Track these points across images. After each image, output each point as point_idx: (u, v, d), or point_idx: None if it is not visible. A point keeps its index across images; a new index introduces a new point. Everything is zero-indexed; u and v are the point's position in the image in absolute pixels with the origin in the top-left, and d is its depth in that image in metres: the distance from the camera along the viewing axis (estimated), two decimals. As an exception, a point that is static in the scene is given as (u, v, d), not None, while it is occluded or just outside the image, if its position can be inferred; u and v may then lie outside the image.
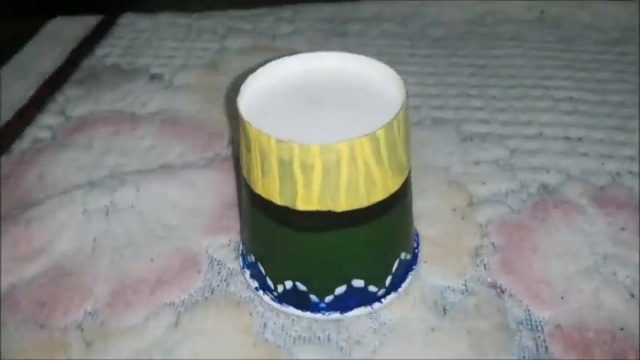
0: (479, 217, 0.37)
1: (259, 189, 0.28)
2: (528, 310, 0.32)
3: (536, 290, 0.33)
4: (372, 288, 0.31)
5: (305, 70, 0.31)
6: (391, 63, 0.51)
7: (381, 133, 0.26)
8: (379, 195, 0.28)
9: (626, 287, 0.33)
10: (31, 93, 0.50)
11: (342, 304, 0.31)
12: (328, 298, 0.31)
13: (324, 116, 0.29)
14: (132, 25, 0.59)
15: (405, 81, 0.30)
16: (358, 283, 0.31)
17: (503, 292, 0.33)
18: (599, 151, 0.42)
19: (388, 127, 0.26)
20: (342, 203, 0.27)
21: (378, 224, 0.29)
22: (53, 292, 0.33)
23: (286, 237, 0.29)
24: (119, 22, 0.60)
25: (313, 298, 0.31)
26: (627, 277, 0.33)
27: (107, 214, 0.38)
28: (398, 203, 0.29)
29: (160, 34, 0.58)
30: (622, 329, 0.31)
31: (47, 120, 0.47)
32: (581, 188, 0.39)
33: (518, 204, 0.38)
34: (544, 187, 0.40)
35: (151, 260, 0.35)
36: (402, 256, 0.32)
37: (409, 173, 0.30)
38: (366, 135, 0.26)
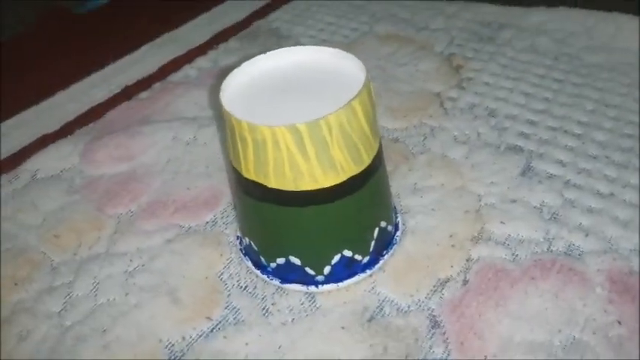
0: (472, 253, 0.36)
1: (226, 149, 0.33)
2: (447, 353, 0.31)
3: (466, 339, 0.31)
4: (309, 270, 0.34)
5: (290, 62, 0.35)
6: (513, 79, 0.50)
7: (302, 128, 0.29)
8: (307, 184, 0.30)
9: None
10: (205, 39, 0.61)
11: (284, 275, 0.35)
12: (273, 265, 0.35)
13: (296, 102, 0.32)
14: (311, -2, 0.67)
15: (368, 83, 0.31)
16: (295, 260, 0.34)
17: (436, 327, 0.32)
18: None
19: (313, 124, 0.29)
20: (272, 181, 0.31)
21: (308, 211, 0.31)
22: (118, 189, 0.44)
23: (240, 197, 0.34)
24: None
25: (262, 259, 0.35)
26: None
27: (187, 145, 0.47)
28: (335, 200, 0.31)
29: (326, 10, 0.64)
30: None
31: (201, 63, 0.58)
32: (608, 265, 0.34)
33: (525, 255, 0.35)
34: (569, 249, 0.35)
35: (188, 188, 0.43)
36: (347, 253, 0.34)
37: (359, 177, 0.31)
38: (286, 125, 0.29)
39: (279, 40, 0.60)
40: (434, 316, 0.33)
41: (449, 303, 0.33)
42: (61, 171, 0.47)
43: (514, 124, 0.45)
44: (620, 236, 0.36)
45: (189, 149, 0.47)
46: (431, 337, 0.32)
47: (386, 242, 0.36)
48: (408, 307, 0.34)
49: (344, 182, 0.31)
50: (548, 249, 0.36)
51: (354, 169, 0.31)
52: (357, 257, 0.34)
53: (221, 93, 0.32)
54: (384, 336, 0.32)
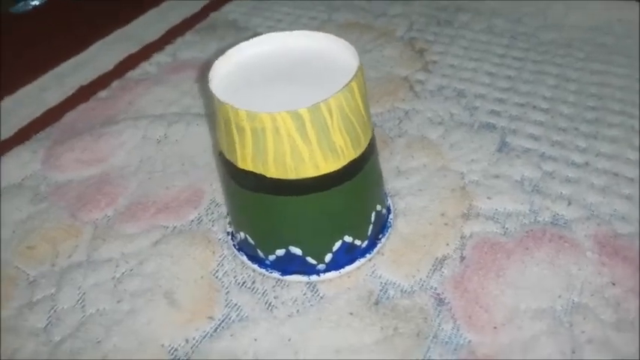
0: (465, 229, 0.37)
1: (216, 140, 0.32)
2: (457, 328, 0.32)
3: (473, 312, 0.32)
4: (310, 260, 0.34)
5: (276, 48, 0.34)
6: (476, 60, 0.49)
7: (304, 112, 0.28)
8: (309, 171, 0.30)
9: (573, 340, 0.30)
10: (160, 35, 0.59)
11: (284, 267, 0.34)
12: (271, 257, 0.34)
13: (292, 89, 0.31)
14: (265, -13, 0.66)
15: (361, 66, 0.30)
16: (296, 250, 0.33)
17: (442, 304, 0.33)
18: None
19: (314, 108, 0.28)
20: (272, 170, 0.30)
21: (310, 199, 0.31)
22: (91, 194, 0.42)
23: (233, 190, 0.33)
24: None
25: (260, 253, 0.34)
26: (583, 332, 0.30)
27: (158, 143, 0.45)
28: (337, 185, 0.31)
29: (282, 0, 0.63)
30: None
31: (160, 58, 0.56)
32: (593, 230, 0.36)
33: (515, 227, 0.36)
34: (555, 218, 0.37)
35: (167, 188, 0.41)
36: (347, 239, 0.33)
37: (357, 160, 0.31)
38: (287, 110, 0.28)
39: (238, 31, 0.58)
40: (438, 294, 0.33)
41: (450, 280, 0.34)
42: (23, 179, 0.44)
43: (484, 102, 0.46)
44: (600, 202, 0.37)
45: (160, 148, 0.45)
46: (438, 315, 0.32)
47: (381, 226, 0.36)
48: (411, 287, 0.34)
49: (344, 167, 0.31)
50: (535, 220, 0.37)
51: (352, 154, 0.31)
52: (357, 242, 0.34)
53: (210, 82, 0.31)
54: (392, 317, 0.32)
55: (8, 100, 0.52)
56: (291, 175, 0.30)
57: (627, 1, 0.55)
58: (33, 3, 0.67)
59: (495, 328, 0.31)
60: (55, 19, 0.65)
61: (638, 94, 0.45)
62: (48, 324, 0.34)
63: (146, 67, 0.55)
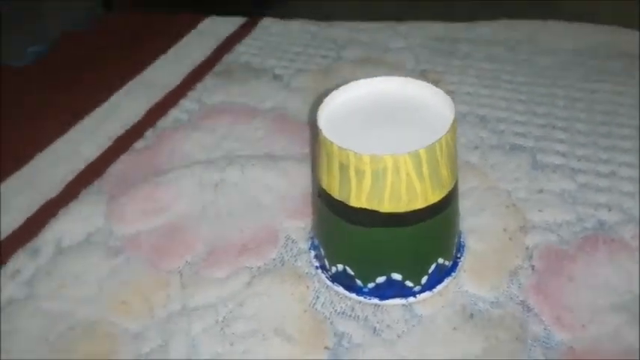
0: (527, 241, 0.41)
1: (324, 184, 0.35)
2: (548, 330, 0.36)
3: (559, 314, 0.36)
4: (408, 283, 0.37)
5: (378, 90, 0.38)
6: (489, 87, 0.53)
7: (422, 152, 0.32)
8: (419, 203, 0.33)
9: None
10: (180, 80, 0.61)
11: (382, 293, 0.37)
12: (370, 285, 0.37)
13: (386, 132, 0.35)
14: (268, 29, 0.69)
15: (454, 110, 0.34)
16: (397, 276, 0.36)
17: (529, 310, 0.37)
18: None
19: (430, 148, 0.32)
20: (386, 205, 0.33)
21: (417, 229, 0.34)
22: (166, 243, 0.43)
23: (341, 227, 0.36)
24: (259, 25, 0.70)
25: (358, 282, 0.37)
26: (655, 319, 0.35)
27: (216, 188, 0.47)
28: (438, 213, 0.35)
29: (288, 39, 0.66)
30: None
31: (187, 105, 0.57)
32: (636, 232, 0.41)
33: (569, 235, 0.41)
34: (600, 223, 0.42)
35: (241, 230, 0.43)
36: (440, 260, 0.37)
37: (452, 190, 0.35)
38: (409, 152, 0.32)
39: (256, 73, 0.61)
40: (522, 301, 0.37)
41: (529, 288, 0.38)
42: (88, 235, 0.44)
43: (507, 126, 0.51)
44: (633, 207, 0.43)
45: (220, 192, 0.47)
46: (529, 320, 0.36)
47: (459, 246, 0.40)
48: (496, 298, 0.38)
49: (445, 196, 0.34)
50: (584, 227, 0.42)
51: (451, 183, 0.35)
52: (446, 263, 0.38)
53: (321, 129, 0.34)
54: (491, 327, 0.36)
55: (41, 157, 0.52)
56: (403, 209, 0.33)
57: (606, 25, 0.63)
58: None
59: (583, 325, 0.36)
60: (55, 70, 0.65)
61: (637, 109, 0.52)
62: (167, 374, 0.35)
63: (176, 114, 0.56)
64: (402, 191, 0.33)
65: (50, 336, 0.37)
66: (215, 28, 0.71)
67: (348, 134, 0.34)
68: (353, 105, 0.37)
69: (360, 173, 0.32)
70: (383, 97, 0.37)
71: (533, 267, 0.39)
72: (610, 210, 0.43)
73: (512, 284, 0.38)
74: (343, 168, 0.33)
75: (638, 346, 0.34)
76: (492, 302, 0.37)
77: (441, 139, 0.32)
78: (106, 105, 0.58)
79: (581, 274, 0.38)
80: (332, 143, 0.33)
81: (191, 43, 0.68)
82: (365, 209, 0.34)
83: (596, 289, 0.37)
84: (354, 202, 0.34)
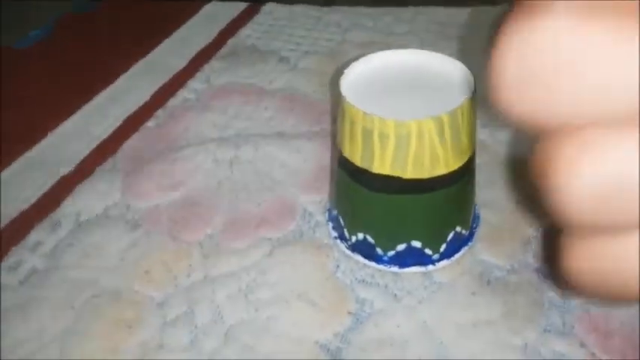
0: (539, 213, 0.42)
1: (346, 152, 0.36)
2: (563, 295, 0.37)
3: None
4: (427, 251, 0.38)
5: (397, 61, 0.39)
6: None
7: (445, 117, 0.33)
8: (441, 169, 0.34)
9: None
10: (186, 62, 0.61)
11: (402, 260, 0.38)
12: (390, 253, 0.38)
13: (406, 100, 0.35)
14: (272, 13, 0.69)
15: (473, 77, 0.36)
16: (416, 244, 0.37)
17: (544, 276, 0.38)
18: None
19: (452, 113, 0.33)
20: (409, 171, 0.34)
21: (438, 195, 0.35)
22: (185, 216, 0.43)
23: (362, 195, 0.36)
24: (262, 10, 0.70)
25: (378, 250, 0.38)
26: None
27: (231, 165, 0.48)
28: (458, 181, 0.36)
29: (293, 23, 0.67)
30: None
31: (195, 85, 0.58)
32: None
33: (579, 207, 0.43)
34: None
35: (259, 204, 0.44)
36: (458, 229, 0.38)
37: (471, 158, 0.36)
38: (432, 117, 0.33)
39: (264, 55, 0.61)
40: (537, 269, 0.39)
41: (542, 257, 0.39)
42: (105, 209, 0.44)
43: (513, 105, 0.53)
44: None
45: (235, 169, 0.47)
46: (544, 285, 0.37)
47: (474, 216, 0.41)
48: (512, 266, 0.39)
49: (465, 163, 0.35)
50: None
51: (471, 150, 0.36)
52: (464, 232, 0.39)
53: (343, 93, 0.35)
54: (509, 293, 0.37)
55: (51, 137, 0.52)
56: (426, 175, 0.34)
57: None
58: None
59: (596, 289, 0.37)
60: (58, 52, 0.65)
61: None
62: (194, 339, 0.36)
63: (185, 94, 0.56)
64: (425, 157, 0.34)
65: (76, 303, 0.37)
66: (218, 13, 0.71)
67: (369, 102, 0.35)
68: (373, 75, 0.38)
69: (384, 139, 0.33)
70: (402, 67, 0.38)
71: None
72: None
73: (527, 253, 0.40)
74: (367, 134, 0.34)
75: (649, 308, 0.36)
76: (508, 270, 0.39)
77: (462, 104, 0.33)
78: (112, 87, 0.58)
79: (591, 242, 0.40)
80: (357, 109, 0.34)
81: (195, 26, 0.68)
82: (387, 176, 0.35)
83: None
84: (378, 169, 0.35)
